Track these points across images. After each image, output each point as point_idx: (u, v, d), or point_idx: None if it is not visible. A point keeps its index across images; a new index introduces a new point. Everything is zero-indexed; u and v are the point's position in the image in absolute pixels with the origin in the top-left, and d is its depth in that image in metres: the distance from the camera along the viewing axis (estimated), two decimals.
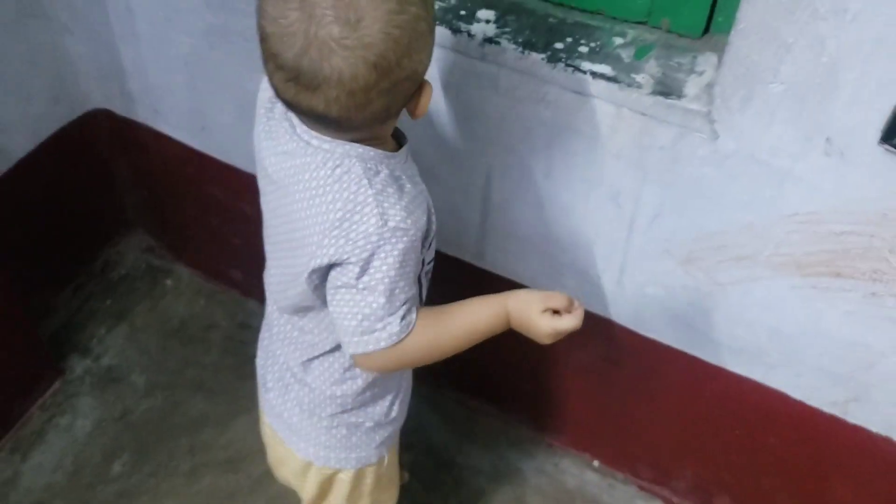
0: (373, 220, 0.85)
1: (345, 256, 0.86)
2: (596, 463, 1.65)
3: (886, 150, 0.92)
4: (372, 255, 0.86)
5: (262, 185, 0.99)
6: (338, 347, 1.01)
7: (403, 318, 0.90)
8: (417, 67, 0.82)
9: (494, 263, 1.41)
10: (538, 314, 0.93)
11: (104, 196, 1.88)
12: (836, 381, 1.20)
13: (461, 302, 0.97)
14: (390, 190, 0.87)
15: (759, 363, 1.26)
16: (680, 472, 1.56)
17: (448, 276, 1.27)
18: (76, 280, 1.90)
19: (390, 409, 1.11)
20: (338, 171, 0.87)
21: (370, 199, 0.85)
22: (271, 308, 1.10)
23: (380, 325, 0.89)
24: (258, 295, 1.88)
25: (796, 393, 1.26)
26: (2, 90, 1.51)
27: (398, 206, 0.86)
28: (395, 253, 0.86)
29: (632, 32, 1.13)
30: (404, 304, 0.90)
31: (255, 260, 1.79)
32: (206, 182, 1.69)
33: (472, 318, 0.96)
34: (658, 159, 1.10)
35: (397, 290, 0.88)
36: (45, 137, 1.64)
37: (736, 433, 1.41)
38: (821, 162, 0.98)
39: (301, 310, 0.99)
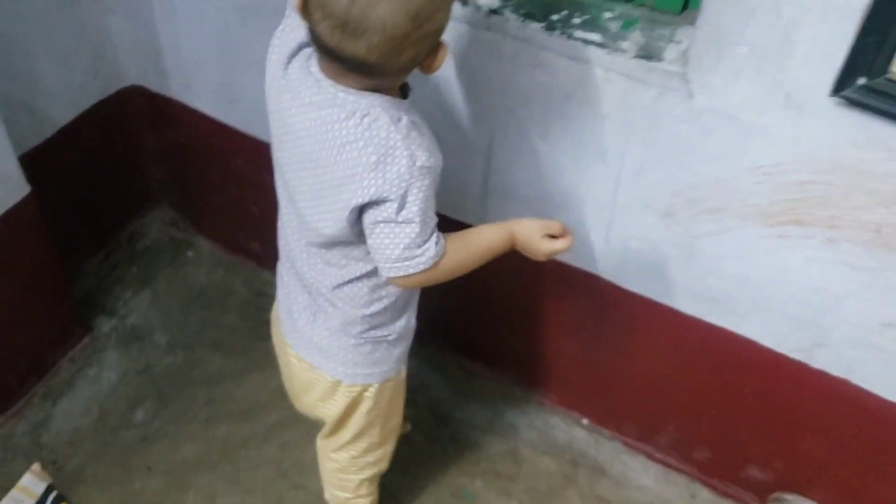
0: (404, 162, 0.98)
1: (384, 195, 0.99)
2: (585, 421, 1.77)
3: (838, 101, 1.05)
4: (406, 191, 0.99)
5: (280, 136, 1.09)
6: (365, 275, 1.14)
7: (437, 243, 1.04)
8: (442, 23, 0.95)
9: None
10: (539, 238, 1.10)
11: (133, 170, 2.01)
12: (801, 326, 1.32)
13: (476, 228, 1.14)
14: (414, 133, 1.00)
15: (731, 312, 1.38)
16: (662, 428, 1.67)
17: None
18: (105, 248, 2.03)
19: (409, 321, 1.25)
20: (366, 119, 0.99)
21: (399, 143, 0.98)
22: (293, 245, 1.21)
23: (419, 252, 1.03)
24: (273, 266, 2.01)
25: (766, 340, 1.38)
26: (50, 61, 1.65)
27: (422, 148, 1.00)
28: (424, 188, 1.00)
29: (619, 8, 1.26)
30: (434, 230, 1.04)
31: (272, 230, 1.92)
32: (230, 154, 1.82)
33: (488, 241, 1.13)
34: (640, 118, 1.23)
35: (428, 219, 1.03)
36: (84, 109, 1.78)
37: (713, 385, 1.52)
38: (781, 116, 1.11)
39: (330, 245, 1.12)
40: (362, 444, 1.35)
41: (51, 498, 1.59)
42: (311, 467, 1.57)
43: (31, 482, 1.61)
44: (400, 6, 0.88)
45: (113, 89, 1.82)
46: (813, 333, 1.32)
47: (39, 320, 1.73)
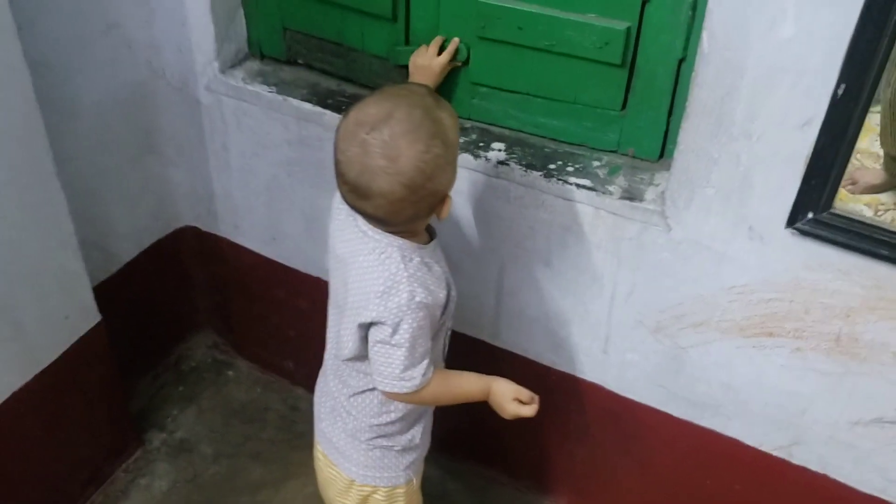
0: (404, 296, 1.14)
1: (382, 319, 1.15)
2: None
3: (792, 232, 1.21)
4: (401, 320, 1.14)
5: (332, 264, 1.27)
6: (374, 388, 1.26)
7: (424, 374, 1.19)
8: (438, 188, 1.12)
9: (507, 341, 1.67)
10: (509, 401, 1.26)
11: (183, 300, 2.16)
12: (779, 426, 1.43)
13: (463, 373, 1.29)
14: (420, 273, 1.17)
15: (718, 415, 1.49)
16: None
17: (468, 354, 1.54)
18: (154, 370, 2.16)
19: (414, 437, 1.35)
20: (382, 256, 1.16)
21: (404, 280, 1.15)
22: (328, 356, 1.37)
23: (406, 376, 1.18)
24: (305, 383, 2.13)
25: (749, 440, 1.48)
26: (120, 207, 1.84)
27: (423, 287, 1.16)
28: (418, 319, 1.15)
29: (606, 158, 1.44)
30: (423, 357, 1.19)
31: (306, 351, 2.06)
32: (271, 284, 1.97)
33: (468, 387, 1.28)
34: (628, 248, 1.38)
35: (417, 346, 1.17)
36: (145, 247, 1.95)
37: (706, 484, 1.61)
38: (746, 245, 1.27)
39: (352, 359, 1.26)
40: None
41: None
42: None
43: None
44: (394, 179, 1.06)
45: (170, 229, 2.00)
46: (791, 433, 1.42)
47: (99, 435, 1.83)
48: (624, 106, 1.39)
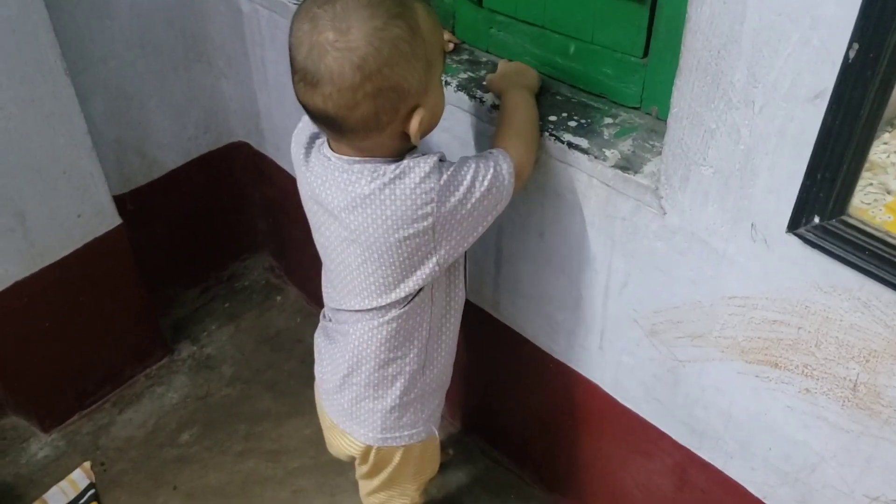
0: (430, 162, 1.01)
1: (428, 200, 1.01)
2: None
3: (797, 240, 0.94)
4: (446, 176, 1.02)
5: (302, 191, 1.18)
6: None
7: (509, 166, 1.07)
8: (400, 82, 0.95)
9: (506, 316, 1.50)
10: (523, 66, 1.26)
11: (240, 217, 2.18)
12: (784, 480, 1.16)
13: (507, 114, 1.17)
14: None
15: (718, 450, 1.24)
16: None
17: (471, 322, 1.43)
18: (206, 282, 2.21)
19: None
20: (355, 176, 1.03)
21: (411, 162, 1.01)
22: (331, 313, 1.38)
23: (501, 177, 1.07)
24: None
25: (752, 487, 1.22)
26: (165, 115, 1.85)
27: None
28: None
29: (624, 115, 1.21)
30: (500, 159, 1.08)
31: None
32: None
33: (525, 114, 1.16)
34: (621, 229, 1.16)
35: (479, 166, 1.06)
36: (193, 157, 1.97)
37: None
38: (748, 246, 1.01)
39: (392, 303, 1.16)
40: (396, 490, 1.42)
41: (87, 496, 1.73)
42: None
43: (79, 477, 1.77)
44: (344, 57, 0.92)
45: (222, 143, 2.00)
46: (798, 491, 1.15)
47: (120, 338, 1.90)
48: (646, 53, 1.15)
